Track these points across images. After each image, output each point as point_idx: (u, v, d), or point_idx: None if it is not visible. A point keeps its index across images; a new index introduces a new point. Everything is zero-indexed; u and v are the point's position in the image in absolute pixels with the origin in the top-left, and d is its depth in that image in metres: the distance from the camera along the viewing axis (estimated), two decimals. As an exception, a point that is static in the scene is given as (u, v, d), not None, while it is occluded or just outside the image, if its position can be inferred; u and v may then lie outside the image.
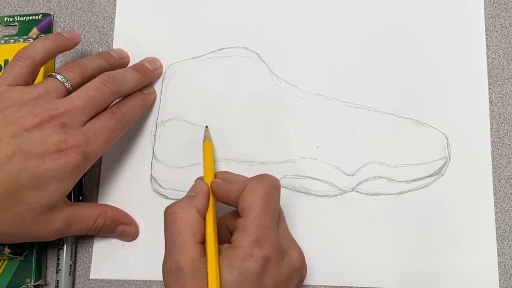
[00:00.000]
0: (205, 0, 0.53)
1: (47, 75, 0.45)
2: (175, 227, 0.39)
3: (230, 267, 0.37)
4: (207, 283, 0.37)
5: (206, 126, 0.49)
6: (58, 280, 0.49)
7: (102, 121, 0.44)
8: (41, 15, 0.55)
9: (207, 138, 0.47)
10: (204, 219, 0.41)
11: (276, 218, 0.40)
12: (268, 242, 0.38)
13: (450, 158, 0.46)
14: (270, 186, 0.40)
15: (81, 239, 0.50)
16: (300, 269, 0.41)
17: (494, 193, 0.46)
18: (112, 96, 0.45)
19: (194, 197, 0.42)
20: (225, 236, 0.42)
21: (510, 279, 0.44)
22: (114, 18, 0.54)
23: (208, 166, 0.45)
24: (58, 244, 0.49)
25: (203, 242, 0.39)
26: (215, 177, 0.45)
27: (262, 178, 0.41)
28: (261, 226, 0.38)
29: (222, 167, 0.49)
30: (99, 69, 0.47)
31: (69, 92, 0.44)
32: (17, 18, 0.55)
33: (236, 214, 0.41)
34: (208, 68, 0.51)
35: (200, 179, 0.45)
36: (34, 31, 0.54)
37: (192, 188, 0.43)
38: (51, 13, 0.55)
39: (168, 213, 0.41)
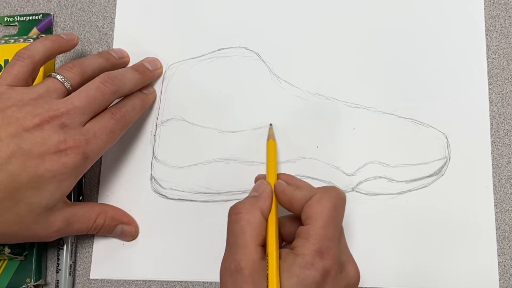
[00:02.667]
0: (205, 0, 0.53)
1: (47, 75, 0.45)
2: (238, 227, 0.39)
3: (289, 272, 0.37)
4: (265, 286, 0.37)
5: (270, 124, 0.48)
6: (58, 280, 0.49)
7: (102, 121, 0.44)
8: (41, 15, 0.55)
9: (271, 137, 0.47)
10: (267, 220, 0.40)
11: (339, 231, 0.40)
12: (330, 254, 0.38)
13: (450, 158, 0.46)
14: (338, 199, 0.40)
15: (81, 239, 0.50)
16: (356, 285, 0.41)
17: (494, 193, 0.46)
18: (112, 96, 0.45)
19: (258, 198, 0.41)
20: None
21: (510, 279, 0.44)
22: (114, 18, 0.54)
23: (272, 166, 0.45)
24: (58, 244, 0.49)
25: (263, 245, 0.39)
26: (278, 178, 0.44)
27: (330, 189, 0.40)
28: (325, 237, 0.38)
29: (223, 167, 0.49)
30: (99, 69, 0.47)
31: (69, 92, 0.44)
32: (17, 18, 0.55)
33: (292, 219, 0.42)
34: (208, 68, 0.51)
35: (262, 178, 0.44)
36: (34, 31, 0.54)
37: (255, 188, 0.42)
38: (51, 13, 0.55)
39: (233, 212, 0.40)
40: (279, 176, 0.45)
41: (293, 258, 0.37)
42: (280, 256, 0.38)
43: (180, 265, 0.48)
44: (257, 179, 0.45)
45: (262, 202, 0.41)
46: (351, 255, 0.41)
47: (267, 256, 0.38)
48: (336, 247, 0.38)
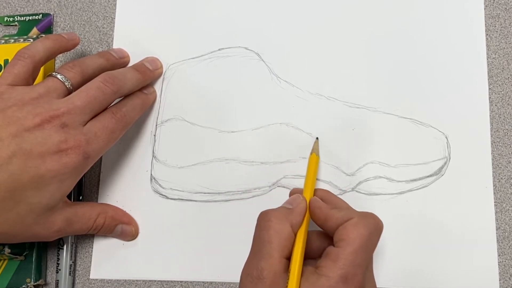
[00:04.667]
0: (205, 0, 0.53)
1: (48, 75, 0.45)
2: (267, 235, 0.38)
3: None
4: None
5: (317, 138, 0.48)
6: (58, 280, 0.49)
7: (103, 121, 0.44)
8: (41, 15, 0.55)
9: (314, 151, 0.46)
10: (295, 235, 0.40)
11: (368, 260, 0.39)
12: (355, 282, 0.37)
13: (450, 158, 0.46)
14: (374, 228, 0.39)
15: (81, 239, 0.50)
16: None
17: (494, 193, 0.46)
18: (112, 96, 0.45)
19: (292, 211, 0.40)
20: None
21: (510, 279, 0.44)
22: (114, 18, 0.54)
23: (310, 181, 0.44)
24: (58, 244, 0.49)
25: (288, 257, 0.39)
26: (315, 193, 0.44)
27: (369, 216, 0.39)
28: (354, 264, 0.37)
29: (223, 167, 0.49)
30: (99, 69, 0.47)
31: (69, 92, 0.44)
32: (17, 18, 0.55)
33: (320, 235, 0.41)
34: (208, 68, 0.51)
35: (298, 192, 0.44)
36: (34, 31, 0.54)
37: (290, 201, 0.42)
38: (51, 13, 0.55)
39: (263, 219, 0.40)
40: (316, 191, 0.44)
41: (316, 278, 0.37)
42: (303, 273, 0.38)
43: (180, 265, 0.48)
44: (292, 192, 0.45)
45: (294, 216, 0.40)
46: (375, 285, 0.41)
47: (289, 271, 0.38)
48: (362, 275, 0.37)
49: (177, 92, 0.51)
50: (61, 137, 0.42)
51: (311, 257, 0.41)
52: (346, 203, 0.43)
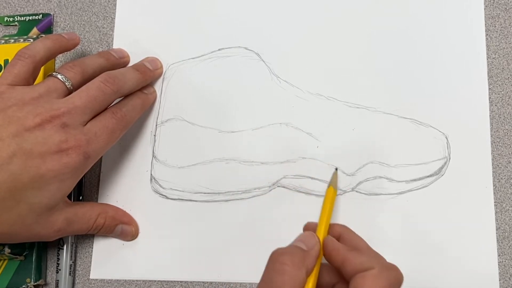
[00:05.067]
0: (205, 0, 0.53)
1: (48, 75, 0.45)
2: (280, 280, 0.36)
3: None
4: None
5: (336, 169, 0.46)
6: (58, 280, 0.49)
7: (103, 121, 0.44)
8: (41, 15, 0.55)
9: (332, 184, 0.44)
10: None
11: None
12: None
13: (450, 158, 0.46)
14: (395, 282, 0.37)
15: (81, 239, 0.50)
16: None
17: (494, 193, 0.46)
18: (113, 96, 0.45)
19: (307, 254, 0.38)
20: None
21: (510, 279, 0.44)
22: (114, 18, 0.54)
23: (325, 218, 0.41)
24: (58, 244, 0.49)
25: None
26: (331, 227, 0.41)
27: (390, 269, 0.37)
28: None
29: (223, 167, 0.49)
30: (99, 69, 0.47)
31: (70, 92, 0.44)
32: (17, 18, 0.55)
33: (331, 270, 0.39)
34: (208, 68, 0.51)
35: (312, 227, 0.41)
36: (34, 31, 0.54)
37: (304, 240, 0.39)
38: (51, 13, 0.55)
39: (277, 261, 0.37)
40: (333, 227, 0.41)
41: None
42: None
43: (180, 265, 0.48)
44: (306, 228, 0.42)
45: (310, 260, 0.37)
46: None
47: None
48: None
49: (177, 92, 0.51)
50: (61, 137, 0.42)
51: None
52: (365, 242, 0.40)
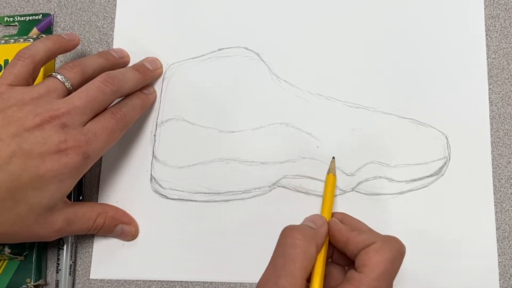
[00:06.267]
0: (205, 0, 0.53)
1: (48, 75, 0.45)
2: (293, 252, 0.37)
3: None
4: None
5: (333, 158, 0.47)
6: (58, 280, 0.49)
7: (103, 121, 0.44)
8: (41, 15, 0.55)
9: (331, 171, 0.46)
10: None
11: (390, 285, 0.38)
12: None
13: (450, 158, 0.46)
14: (398, 252, 0.38)
15: (81, 239, 0.50)
16: None
17: (494, 193, 0.46)
18: (112, 96, 0.45)
19: (317, 232, 0.40)
20: None
21: (510, 279, 0.44)
22: (114, 18, 0.54)
23: (328, 202, 0.44)
24: (58, 244, 0.49)
25: (308, 279, 0.38)
26: (332, 215, 0.43)
27: (392, 240, 0.39)
28: None
29: (223, 167, 0.49)
30: (99, 69, 0.47)
31: (69, 92, 0.44)
32: (17, 18, 0.55)
33: (343, 255, 0.41)
34: (208, 68, 0.51)
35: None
36: (34, 31, 0.54)
37: (313, 220, 0.41)
38: (51, 13, 0.55)
39: (289, 235, 0.39)
40: (334, 214, 0.44)
41: None
42: None
43: (180, 265, 0.48)
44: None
45: (319, 237, 0.39)
46: None
47: None
48: None
49: (177, 92, 0.51)
50: (61, 137, 0.42)
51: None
52: (366, 225, 0.42)
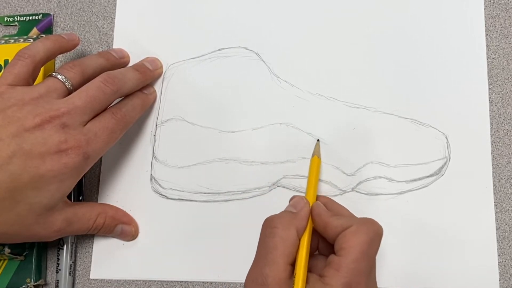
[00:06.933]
0: (205, 0, 0.53)
1: (48, 75, 0.45)
2: (272, 242, 0.38)
3: None
4: None
5: (318, 140, 0.48)
6: (58, 280, 0.49)
7: (103, 121, 0.44)
8: (41, 15, 0.55)
9: (316, 153, 0.46)
10: (299, 240, 0.40)
11: (371, 266, 0.39)
12: None
13: (450, 158, 0.46)
14: (374, 234, 0.39)
15: (81, 239, 0.50)
16: None
17: (494, 193, 0.46)
18: (112, 96, 0.45)
19: (296, 216, 0.40)
20: None
21: (510, 279, 0.44)
22: (114, 18, 0.54)
23: (312, 184, 0.44)
24: (58, 244, 0.49)
25: (293, 264, 0.39)
26: (317, 199, 0.44)
27: (368, 223, 0.39)
28: (356, 272, 0.37)
29: (222, 167, 0.49)
30: (99, 69, 0.47)
31: (69, 92, 0.44)
32: (17, 18, 0.55)
33: (329, 246, 0.41)
34: (208, 68, 0.51)
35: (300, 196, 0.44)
36: (34, 31, 0.54)
37: (293, 204, 0.42)
38: (51, 13, 0.55)
39: (268, 226, 0.39)
40: (318, 198, 0.44)
41: (320, 286, 0.37)
42: (308, 281, 0.38)
43: (180, 265, 0.48)
44: (293, 198, 0.44)
45: (299, 220, 0.40)
46: None
47: (294, 278, 0.38)
48: (365, 282, 0.38)
49: (177, 92, 0.51)
50: (61, 137, 0.42)
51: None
52: (348, 211, 0.43)
